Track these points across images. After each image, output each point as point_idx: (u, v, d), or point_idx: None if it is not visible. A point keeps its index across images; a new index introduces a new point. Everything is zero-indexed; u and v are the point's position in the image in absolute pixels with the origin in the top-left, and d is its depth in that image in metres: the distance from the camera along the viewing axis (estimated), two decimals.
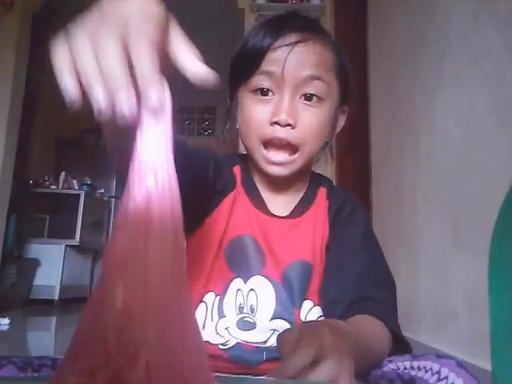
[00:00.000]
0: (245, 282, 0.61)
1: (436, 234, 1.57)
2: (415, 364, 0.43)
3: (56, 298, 3.75)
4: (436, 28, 1.62)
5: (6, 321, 2.49)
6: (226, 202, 0.63)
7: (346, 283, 0.59)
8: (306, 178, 0.70)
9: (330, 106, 0.62)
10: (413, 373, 0.42)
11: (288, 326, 0.59)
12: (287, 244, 0.64)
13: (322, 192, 0.69)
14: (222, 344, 0.59)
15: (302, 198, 0.68)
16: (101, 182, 4.74)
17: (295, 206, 0.67)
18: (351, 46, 2.87)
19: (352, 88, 0.67)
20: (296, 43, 0.59)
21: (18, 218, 3.52)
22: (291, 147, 0.60)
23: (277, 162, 0.60)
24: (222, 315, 0.60)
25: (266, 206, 0.66)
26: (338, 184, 2.91)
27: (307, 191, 0.68)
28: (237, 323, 0.60)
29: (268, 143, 0.60)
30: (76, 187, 4.28)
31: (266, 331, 0.59)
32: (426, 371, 0.41)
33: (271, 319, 0.60)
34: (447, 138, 1.52)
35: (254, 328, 0.60)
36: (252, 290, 0.60)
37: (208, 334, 0.60)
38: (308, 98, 0.59)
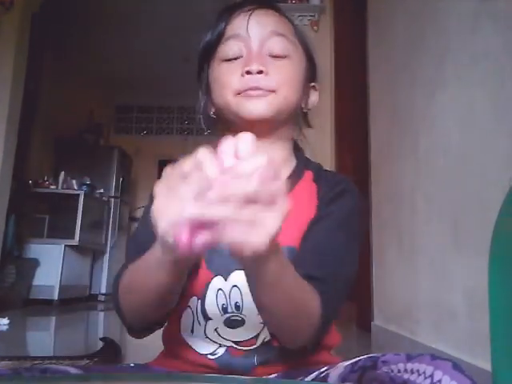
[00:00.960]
0: (226, 280, 0.59)
1: (436, 233, 1.57)
2: (409, 366, 0.42)
3: (55, 297, 3.75)
4: (436, 28, 1.62)
5: (6, 321, 2.49)
6: None
7: (307, 261, 0.56)
8: (290, 153, 0.67)
9: (299, 64, 0.63)
10: (406, 376, 0.41)
11: None
12: None
13: (309, 175, 0.66)
14: (211, 354, 0.58)
15: (287, 177, 0.63)
16: (100, 181, 4.74)
17: None
18: (351, 46, 2.87)
19: (318, 67, 0.69)
20: (256, 8, 0.63)
21: (17, 217, 3.52)
22: (267, 91, 0.60)
23: (255, 94, 0.59)
24: (207, 318, 0.59)
25: None
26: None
27: (291, 174, 0.65)
28: (224, 322, 0.58)
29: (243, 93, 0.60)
30: (75, 187, 4.28)
31: (255, 325, 0.58)
32: (419, 374, 0.40)
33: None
34: (447, 137, 1.52)
35: (244, 324, 0.58)
36: (235, 286, 0.58)
37: (197, 341, 0.59)
38: (275, 56, 0.61)
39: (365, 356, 0.47)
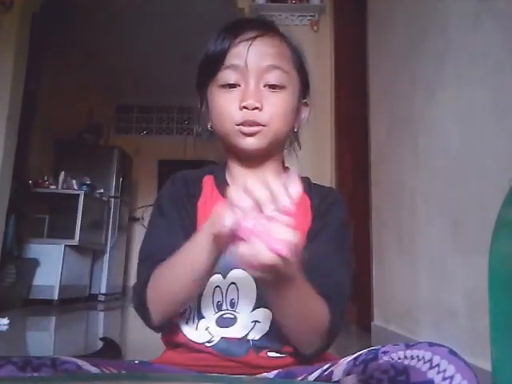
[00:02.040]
0: (224, 278, 0.63)
1: (436, 233, 1.57)
2: (408, 353, 0.44)
3: (55, 297, 3.75)
4: (436, 28, 1.62)
5: (6, 321, 2.49)
6: (200, 208, 0.68)
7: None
8: (280, 170, 0.73)
9: (292, 92, 0.69)
10: (406, 362, 0.43)
11: (269, 313, 0.61)
12: None
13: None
14: (208, 341, 0.61)
15: None
16: (100, 181, 4.74)
17: None
18: (351, 46, 2.87)
19: (310, 84, 0.74)
20: (255, 37, 0.66)
21: (17, 217, 3.52)
22: (261, 126, 0.66)
23: (249, 132, 0.65)
24: (201, 316, 0.62)
25: None
26: (338, 184, 2.91)
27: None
28: (216, 321, 0.62)
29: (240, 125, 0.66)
30: (75, 187, 4.28)
31: (247, 324, 0.61)
32: (419, 360, 0.43)
33: (253, 309, 0.62)
34: (447, 137, 1.52)
35: (235, 323, 0.61)
36: (233, 283, 0.63)
37: (191, 333, 0.62)
38: (271, 86, 0.66)
39: (365, 350, 0.49)
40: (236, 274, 0.63)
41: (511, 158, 1.15)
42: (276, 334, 0.60)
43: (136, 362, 0.61)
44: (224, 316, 0.62)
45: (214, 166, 0.76)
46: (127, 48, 4.87)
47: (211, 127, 0.71)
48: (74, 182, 4.29)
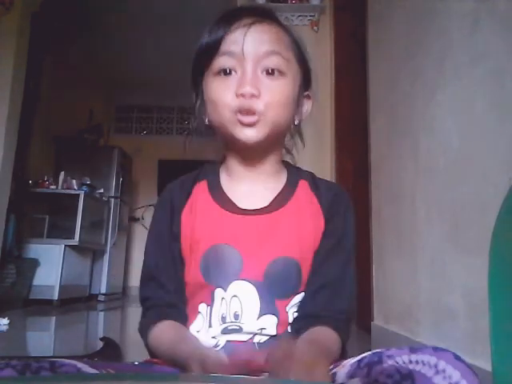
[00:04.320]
0: (225, 291, 0.62)
1: (436, 233, 1.57)
2: (413, 358, 0.44)
3: (55, 297, 3.75)
4: (436, 28, 1.62)
5: (6, 321, 2.49)
6: (183, 218, 0.67)
7: (312, 289, 0.63)
8: (280, 165, 0.71)
9: (293, 81, 0.65)
10: (411, 367, 0.43)
11: (275, 319, 0.61)
12: (266, 241, 0.64)
13: (303, 185, 0.69)
14: (214, 346, 0.61)
15: (280, 191, 0.68)
16: (100, 182, 4.73)
17: (274, 199, 0.67)
18: (351, 45, 2.87)
19: (312, 75, 0.71)
20: (252, 23, 0.63)
21: (17, 217, 3.52)
22: (258, 114, 0.62)
23: (247, 122, 0.61)
24: (210, 325, 0.62)
25: (236, 205, 0.66)
26: (338, 184, 2.90)
27: (286, 184, 0.69)
28: (222, 331, 0.61)
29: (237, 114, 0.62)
30: (75, 187, 4.28)
31: (253, 331, 0.61)
32: (424, 365, 0.42)
33: (258, 318, 0.61)
34: (447, 137, 1.52)
35: (241, 332, 0.61)
36: (235, 296, 0.61)
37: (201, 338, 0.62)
38: (270, 72, 0.62)
39: (369, 352, 0.49)
40: (237, 285, 0.61)
41: (511, 158, 1.15)
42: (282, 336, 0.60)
43: (136, 363, 0.60)
44: (229, 328, 0.61)
45: (208, 166, 0.73)
46: (127, 48, 4.87)
47: (208, 121, 0.68)
48: (74, 181, 4.29)
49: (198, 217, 0.66)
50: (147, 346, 0.64)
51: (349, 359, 0.51)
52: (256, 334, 0.61)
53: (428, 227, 1.64)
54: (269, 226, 0.65)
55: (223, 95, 0.62)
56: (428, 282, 1.63)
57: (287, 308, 0.63)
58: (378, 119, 2.28)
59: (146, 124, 6.51)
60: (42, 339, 2.50)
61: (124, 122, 6.50)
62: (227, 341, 0.61)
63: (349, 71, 2.90)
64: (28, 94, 3.52)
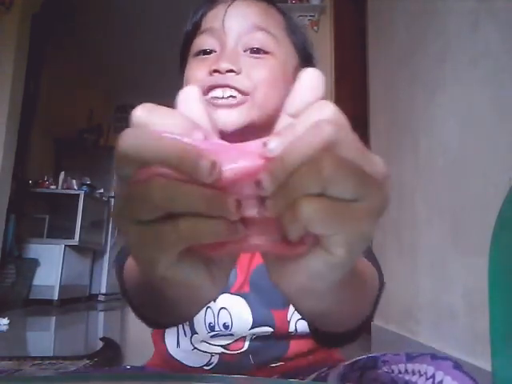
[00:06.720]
0: (214, 301, 0.55)
1: (436, 234, 1.57)
2: (410, 367, 0.41)
3: (55, 297, 3.75)
4: (436, 28, 1.62)
5: (6, 321, 2.49)
6: None
7: None
8: None
9: (283, 63, 0.53)
10: (407, 377, 0.41)
11: (271, 330, 0.55)
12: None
13: None
14: (206, 365, 0.56)
15: None
16: (100, 181, 4.73)
17: None
18: (351, 46, 2.87)
19: (311, 54, 0.60)
20: None
21: (17, 218, 3.52)
22: (241, 93, 0.50)
23: (222, 104, 0.49)
24: (194, 331, 0.56)
25: None
26: None
27: None
28: (211, 338, 0.56)
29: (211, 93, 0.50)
30: (75, 187, 4.28)
31: (245, 339, 0.56)
32: (421, 375, 0.40)
33: (250, 329, 0.55)
34: (447, 137, 1.52)
35: (232, 340, 0.56)
36: (223, 308, 0.55)
37: (187, 355, 0.56)
38: (254, 51, 0.52)
39: (364, 356, 0.47)
40: (225, 299, 0.55)
41: (511, 157, 1.15)
42: (278, 342, 0.56)
43: (128, 367, 0.58)
44: (218, 335, 0.55)
45: None
46: (127, 48, 4.87)
47: None
48: (73, 181, 4.29)
49: None
50: (124, 280, 0.48)
51: (344, 362, 0.48)
52: (249, 341, 0.56)
53: (428, 227, 1.64)
54: None
55: (195, 74, 0.52)
56: (428, 282, 1.63)
57: (289, 318, 0.56)
58: (378, 119, 2.28)
59: None
60: (42, 339, 2.50)
61: (124, 122, 6.49)
62: (219, 357, 0.55)
63: (349, 71, 2.90)
64: (28, 93, 3.52)
